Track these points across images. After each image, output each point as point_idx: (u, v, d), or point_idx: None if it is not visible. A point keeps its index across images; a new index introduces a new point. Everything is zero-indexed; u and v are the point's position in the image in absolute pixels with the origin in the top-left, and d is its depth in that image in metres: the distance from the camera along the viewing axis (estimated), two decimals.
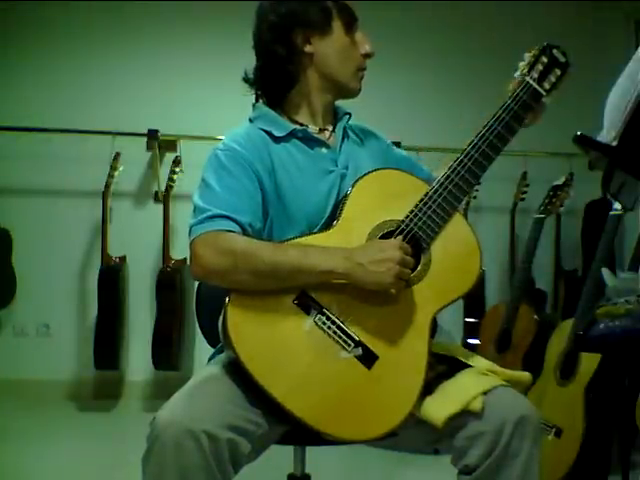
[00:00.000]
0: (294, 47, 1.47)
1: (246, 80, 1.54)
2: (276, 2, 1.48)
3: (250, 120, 1.52)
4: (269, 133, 1.47)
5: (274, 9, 1.48)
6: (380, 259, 1.25)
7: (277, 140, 1.46)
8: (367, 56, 1.50)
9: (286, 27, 1.46)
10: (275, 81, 1.51)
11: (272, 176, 1.42)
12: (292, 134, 1.48)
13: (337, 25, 1.47)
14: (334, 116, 1.57)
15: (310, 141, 1.49)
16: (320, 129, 1.52)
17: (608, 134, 1.22)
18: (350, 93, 1.53)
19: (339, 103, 1.59)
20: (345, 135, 1.55)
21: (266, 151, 1.44)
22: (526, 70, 1.42)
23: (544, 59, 1.42)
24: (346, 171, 1.47)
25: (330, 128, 1.54)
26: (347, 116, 1.57)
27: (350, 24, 1.48)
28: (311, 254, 1.27)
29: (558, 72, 1.43)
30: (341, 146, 1.51)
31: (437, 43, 3.98)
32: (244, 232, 1.33)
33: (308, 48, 1.47)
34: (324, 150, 1.49)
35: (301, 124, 1.50)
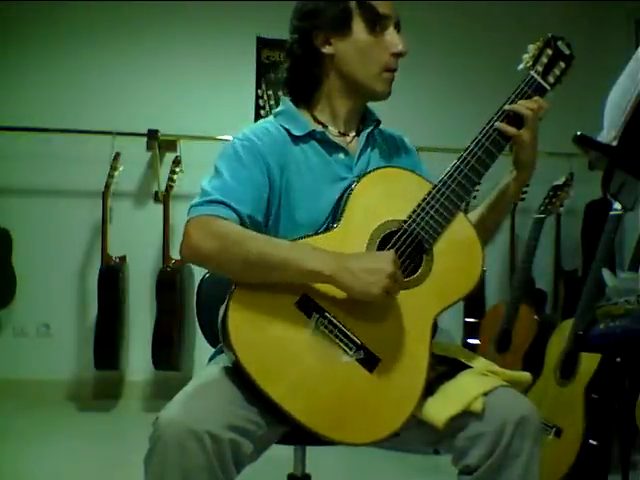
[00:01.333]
0: (315, 49, 1.45)
1: (273, 82, 1.54)
2: (300, 3, 1.48)
3: (274, 115, 1.51)
4: (288, 131, 1.46)
5: (297, 11, 1.48)
6: (372, 268, 1.22)
7: (295, 140, 1.45)
8: (398, 55, 1.45)
9: (306, 29, 1.45)
10: (299, 82, 1.50)
11: (284, 175, 1.41)
12: (310, 135, 1.46)
13: (358, 25, 1.43)
14: (362, 121, 1.54)
15: (328, 145, 1.47)
16: (341, 132, 1.49)
17: (608, 134, 1.22)
18: (375, 96, 1.49)
19: (372, 108, 1.56)
20: (369, 143, 1.52)
21: (283, 148, 1.43)
22: (530, 63, 1.40)
23: (549, 51, 1.40)
24: None
25: (353, 133, 1.51)
26: (374, 123, 1.54)
27: (374, 23, 1.42)
28: (302, 252, 1.25)
29: (562, 65, 1.41)
30: (361, 153, 1.49)
31: (438, 43, 3.99)
32: (242, 222, 1.33)
33: (328, 49, 1.44)
34: (342, 156, 1.47)
35: (323, 124, 1.48)
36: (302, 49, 1.46)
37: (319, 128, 1.47)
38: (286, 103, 1.51)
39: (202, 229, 1.28)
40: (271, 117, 1.51)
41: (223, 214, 1.30)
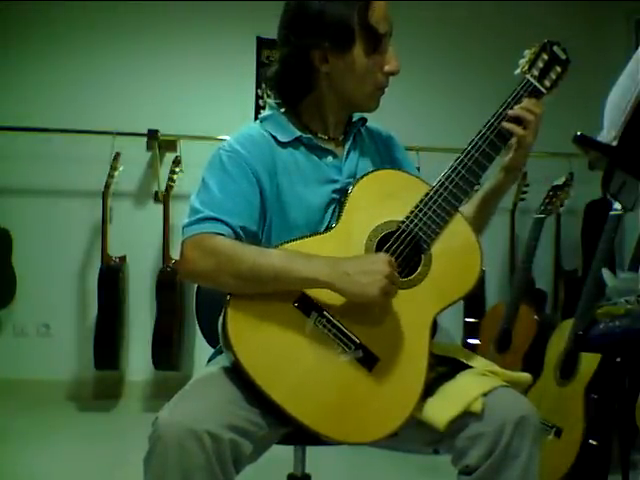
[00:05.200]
0: (311, 65, 1.41)
1: (265, 80, 1.52)
2: (295, 15, 1.41)
3: (260, 120, 1.49)
4: (275, 137, 1.45)
5: (294, 24, 1.41)
6: (368, 270, 1.22)
7: (283, 145, 1.44)
8: (390, 74, 1.44)
9: (304, 47, 1.40)
10: (290, 89, 1.47)
11: (274, 180, 1.41)
12: (298, 140, 1.45)
13: (358, 47, 1.39)
14: (348, 122, 1.53)
15: (316, 149, 1.46)
16: (330, 138, 1.49)
17: (608, 134, 1.22)
18: (366, 111, 1.50)
19: None
20: (357, 143, 1.52)
21: (270, 154, 1.42)
22: (526, 67, 1.41)
23: (545, 56, 1.42)
24: (352, 180, 1.43)
25: (340, 136, 1.50)
26: (361, 122, 1.53)
27: (374, 45, 1.39)
28: (295, 260, 1.25)
29: (559, 69, 1.42)
30: (349, 154, 1.48)
31: (437, 43, 3.99)
32: (236, 235, 1.32)
33: (325, 68, 1.41)
34: (330, 158, 1.47)
35: (311, 130, 1.47)
36: (297, 63, 1.42)
37: (306, 134, 1.46)
38: (272, 109, 1.49)
39: (196, 249, 1.29)
40: (257, 122, 1.50)
41: (216, 230, 1.30)
